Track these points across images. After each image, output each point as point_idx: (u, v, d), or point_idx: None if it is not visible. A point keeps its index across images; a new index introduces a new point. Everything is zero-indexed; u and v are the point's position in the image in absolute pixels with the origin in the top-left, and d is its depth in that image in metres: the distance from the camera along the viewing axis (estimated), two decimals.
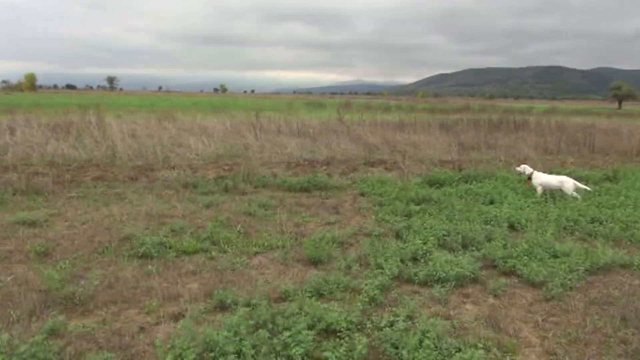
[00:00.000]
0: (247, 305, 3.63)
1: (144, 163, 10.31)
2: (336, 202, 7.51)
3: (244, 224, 6.02)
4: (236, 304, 3.66)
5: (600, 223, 6.15)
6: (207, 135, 14.09)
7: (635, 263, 4.82)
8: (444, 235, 5.45)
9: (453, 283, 4.24)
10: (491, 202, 7.34)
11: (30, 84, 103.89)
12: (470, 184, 8.44)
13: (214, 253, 5.00)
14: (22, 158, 10.00)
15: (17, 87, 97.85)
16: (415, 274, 4.37)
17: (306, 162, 11.12)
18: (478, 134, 16.48)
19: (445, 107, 41.62)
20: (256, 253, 5.09)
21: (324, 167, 10.79)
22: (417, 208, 6.81)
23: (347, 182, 8.88)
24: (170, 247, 5.04)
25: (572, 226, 6.07)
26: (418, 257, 4.83)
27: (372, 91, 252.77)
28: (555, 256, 4.90)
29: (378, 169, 10.71)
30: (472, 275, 4.37)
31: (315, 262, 4.80)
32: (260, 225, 6.03)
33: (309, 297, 3.82)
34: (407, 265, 4.61)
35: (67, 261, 4.60)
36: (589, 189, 7.54)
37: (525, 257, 4.75)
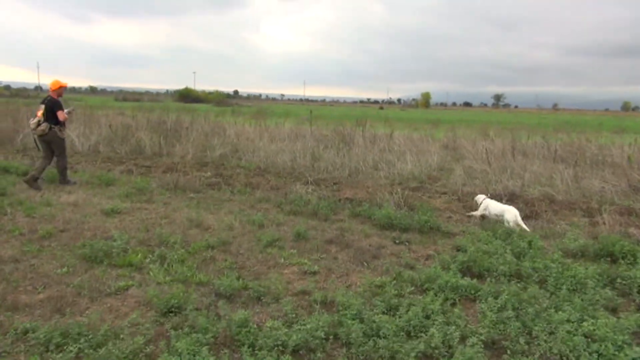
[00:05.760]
0: None
1: (325, 176, 10.38)
2: (397, 250, 5.63)
3: (238, 251, 5.37)
4: None
5: None
6: (432, 154, 12.81)
7: None
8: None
9: None
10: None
11: (425, 101, 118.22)
12: None
13: (131, 273, 4.69)
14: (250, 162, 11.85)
15: (414, 105, 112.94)
16: None
17: (489, 197, 8.56)
18: None
19: None
20: (159, 284, 4.47)
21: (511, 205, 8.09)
22: (468, 283, 4.34)
23: (462, 229, 6.44)
24: (118, 255, 5.05)
25: None
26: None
27: None
28: None
29: (582, 219, 7.21)
30: None
31: (166, 312, 3.85)
32: (246, 258, 5.22)
33: None
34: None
35: (36, 245, 5.28)
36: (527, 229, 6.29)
37: None
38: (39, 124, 8.25)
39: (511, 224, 6.43)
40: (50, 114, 8.27)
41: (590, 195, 8.90)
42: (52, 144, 8.44)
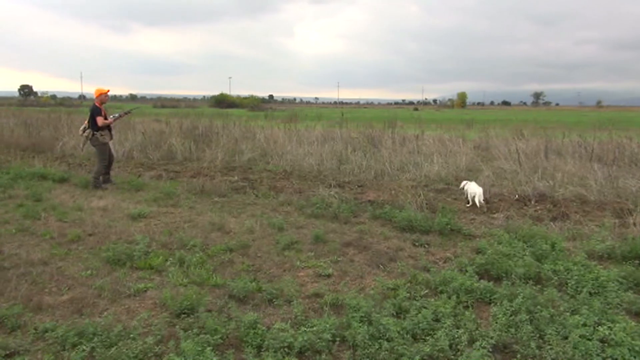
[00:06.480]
0: None
1: (350, 179, 10.39)
2: (415, 252, 5.57)
3: (256, 254, 5.45)
4: None
5: None
6: (461, 155, 12.57)
7: None
8: None
9: None
10: None
11: (461, 101, 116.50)
12: None
13: (151, 276, 4.82)
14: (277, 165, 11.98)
15: (449, 105, 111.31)
16: None
17: (516, 198, 8.38)
18: None
19: None
20: (176, 286, 4.58)
21: (539, 206, 7.89)
22: (484, 286, 4.26)
23: (484, 231, 6.29)
24: (140, 258, 5.20)
25: None
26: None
27: None
28: None
29: (612, 220, 6.91)
30: None
31: (179, 314, 3.95)
32: (263, 260, 5.29)
33: None
34: None
35: (65, 249, 5.51)
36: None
37: None
38: (84, 130, 9.13)
39: (476, 201, 7.69)
40: (92, 121, 8.94)
41: (625, 196, 8.55)
42: (95, 149, 9.11)
